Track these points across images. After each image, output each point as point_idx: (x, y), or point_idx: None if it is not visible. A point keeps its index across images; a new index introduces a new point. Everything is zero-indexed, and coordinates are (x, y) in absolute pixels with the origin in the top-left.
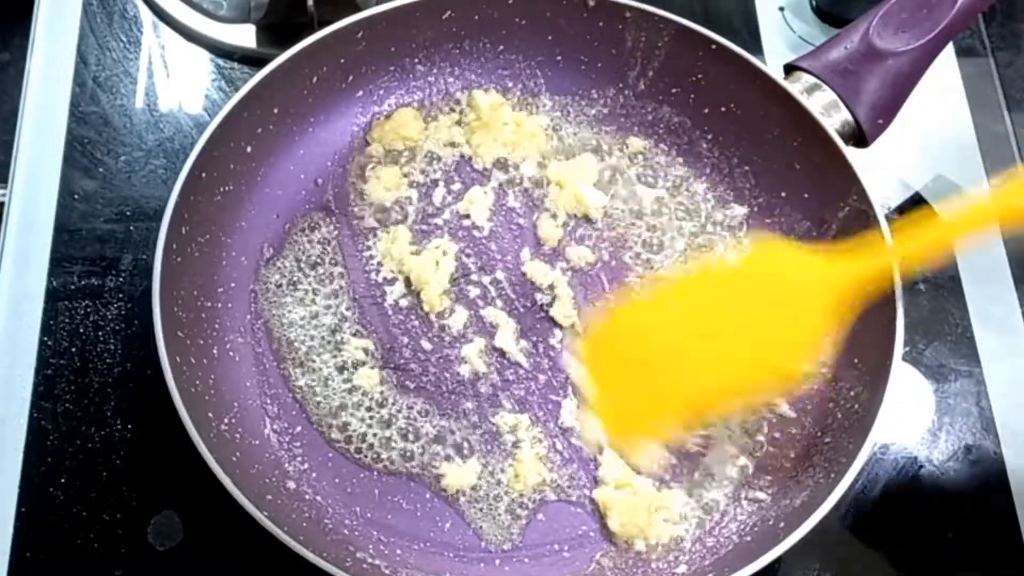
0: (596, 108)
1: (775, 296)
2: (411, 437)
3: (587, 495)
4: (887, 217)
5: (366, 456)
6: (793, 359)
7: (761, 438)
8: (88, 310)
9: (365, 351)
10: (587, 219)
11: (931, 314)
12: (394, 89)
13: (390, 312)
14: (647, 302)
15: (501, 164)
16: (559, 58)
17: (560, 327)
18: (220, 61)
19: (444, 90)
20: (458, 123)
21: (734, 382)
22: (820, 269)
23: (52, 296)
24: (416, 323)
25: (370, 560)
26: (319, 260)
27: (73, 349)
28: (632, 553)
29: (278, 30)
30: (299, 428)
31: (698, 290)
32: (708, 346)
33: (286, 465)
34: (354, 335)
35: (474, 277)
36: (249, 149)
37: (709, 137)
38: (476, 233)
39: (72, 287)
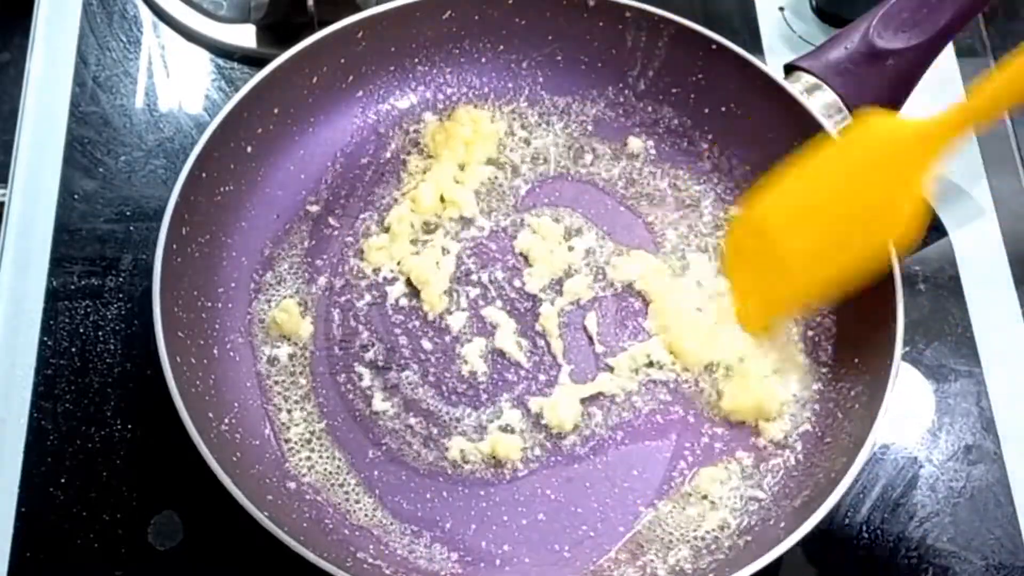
0: (596, 108)
1: (872, 170)
2: (411, 437)
3: None
4: None
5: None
6: (890, 227)
7: (761, 437)
8: (88, 310)
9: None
10: None
11: (931, 314)
12: (394, 89)
13: (390, 312)
14: (767, 198)
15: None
16: (559, 58)
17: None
18: (220, 61)
19: (444, 90)
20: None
21: (845, 255)
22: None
23: (52, 296)
24: (416, 323)
25: (371, 560)
26: (319, 260)
27: (73, 349)
28: (632, 554)
29: (278, 30)
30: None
31: (808, 176)
32: (821, 224)
33: (286, 465)
34: (354, 335)
35: (474, 277)
36: (249, 149)
37: (709, 137)
38: (476, 233)
39: (72, 287)
